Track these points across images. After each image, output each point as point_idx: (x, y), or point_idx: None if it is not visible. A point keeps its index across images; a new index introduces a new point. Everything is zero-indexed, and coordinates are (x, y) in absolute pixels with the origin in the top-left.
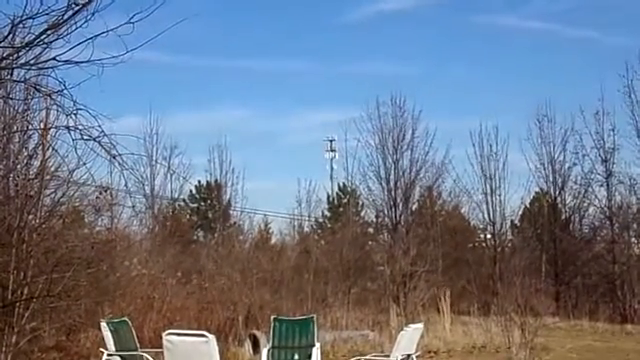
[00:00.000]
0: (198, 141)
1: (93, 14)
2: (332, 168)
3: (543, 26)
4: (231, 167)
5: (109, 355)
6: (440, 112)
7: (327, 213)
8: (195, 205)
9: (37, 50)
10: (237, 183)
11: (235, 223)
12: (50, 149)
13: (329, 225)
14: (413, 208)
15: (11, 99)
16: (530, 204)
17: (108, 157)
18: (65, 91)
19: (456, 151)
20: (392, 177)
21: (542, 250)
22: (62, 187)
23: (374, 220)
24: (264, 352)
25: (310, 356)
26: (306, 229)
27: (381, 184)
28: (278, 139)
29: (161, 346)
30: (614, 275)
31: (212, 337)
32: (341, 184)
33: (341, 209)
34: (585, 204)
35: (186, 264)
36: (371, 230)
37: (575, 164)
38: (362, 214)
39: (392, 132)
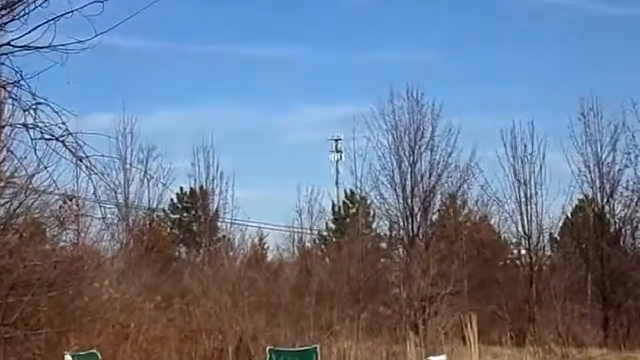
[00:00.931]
0: (180, 141)
1: None
2: (338, 172)
3: (588, 4)
4: (219, 172)
5: None
6: (465, 106)
7: (332, 225)
8: (177, 216)
9: None
10: (226, 190)
11: (224, 237)
12: (4, 150)
13: (334, 239)
14: (433, 219)
15: None
16: (572, 214)
17: (74, 160)
18: (22, 82)
19: (484, 152)
20: (408, 183)
21: (587, 269)
22: (19, 195)
23: (387, 233)
24: None
25: None
26: (307, 244)
27: (395, 191)
28: (274, 139)
29: None
30: None
31: None
32: (348, 191)
33: (348, 220)
34: (639, 214)
35: (166, 286)
36: (384, 245)
37: (627, 166)
38: (373, 226)
39: (408, 130)
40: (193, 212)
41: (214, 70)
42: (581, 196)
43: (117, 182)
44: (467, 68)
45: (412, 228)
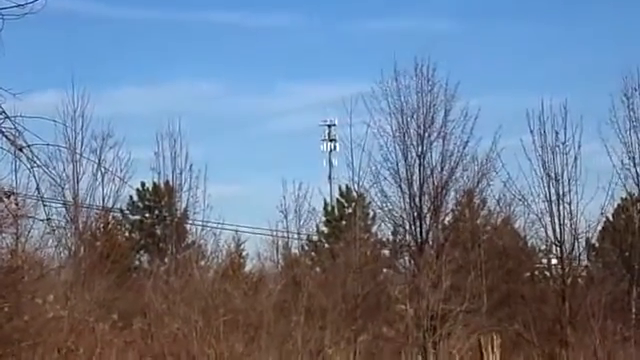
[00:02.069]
0: (142, 127)
1: None
2: (331, 165)
3: None
4: (188, 164)
5: None
6: (486, 86)
7: (324, 228)
8: (137, 217)
9: None
10: (196, 186)
11: (194, 243)
12: None
13: (327, 245)
14: (446, 221)
15: None
16: (614, 216)
17: (11, 149)
18: None
19: (508, 140)
20: (416, 178)
21: (632, 281)
22: None
23: (390, 238)
24: None
25: None
26: (294, 251)
27: (400, 187)
28: (255, 124)
29: None
30: None
31: None
32: (344, 188)
33: (344, 223)
34: None
35: (124, 302)
36: (387, 252)
37: None
38: (373, 230)
39: (416, 114)
40: (157, 212)
41: (182, 42)
42: (624, 194)
43: (65, 176)
44: (488, 41)
45: (420, 232)
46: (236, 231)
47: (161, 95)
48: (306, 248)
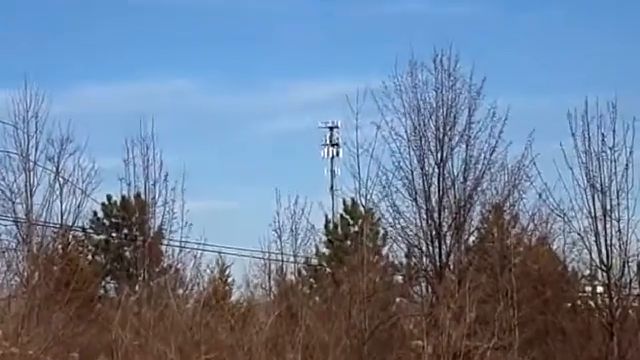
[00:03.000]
0: (108, 130)
1: None
2: (333, 174)
3: None
4: (163, 173)
5: None
6: (517, 80)
7: (325, 250)
8: (102, 237)
9: None
10: (173, 200)
11: (170, 267)
12: None
13: (328, 270)
14: (470, 241)
15: None
16: None
17: None
18: None
19: (544, 145)
20: (435, 189)
21: None
22: None
23: (404, 261)
24: None
25: None
26: (290, 277)
27: (416, 201)
28: (243, 128)
29: None
30: None
31: None
32: (348, 201)
33: (349, 243)
34: None
35: (87, 337)
36: (400, 278)
37: None
38: (384, 251)
39: (435, 114)
40: (126, 231)
41: (157, 30)
42: None
43: (16, 188)
44: (521, 28)
45: (440, 254)
46: (220, 253)
47: (131, 93)
48: (304, 273)
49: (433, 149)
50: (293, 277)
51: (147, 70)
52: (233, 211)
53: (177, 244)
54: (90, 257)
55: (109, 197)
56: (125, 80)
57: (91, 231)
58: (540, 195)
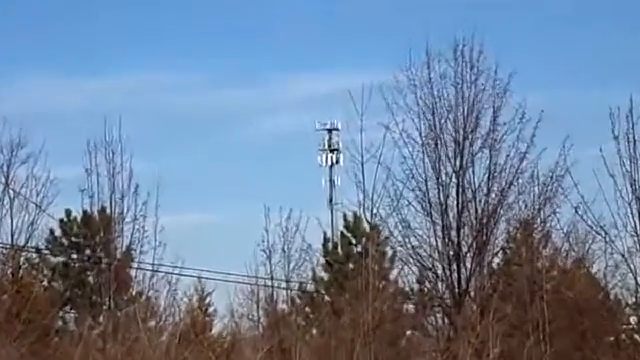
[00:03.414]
0: (68, 133)
1: None
2: (333, 185)
3: None
4: (132, 184)
5: None
6: (550, 75)
7: (323, 274)
8: (60, 259)
9: None
10: (144, 215)
11: (141, 295)
12: None
13: (327, 298)
14: (494, 264)
15: None
16: None
17: None
18: None
19: (581, 151)
20: (453, 203)
21: None
22: None
23: (416, 288)
24: None
25: None
26: (282, 306)
27: (431, 216)
28: (226, 130)
29: None
30: None
31: None
32: (350, 216)
33: (351, 266)
34: None
35: None
36: (411, 308)
37: None
38: (393, 275)
39: (454, 113)
40: (88, 253)
41: (127, 16)
42: None
43: None
44: (553, 13)
45: (458, 279)
46: (200, 278)
47: (96, 89)
48: (298, 302)
49: (451, 155)
50: (285, 306)
51: (116, 63)
52: (216, 228)
53: (149, 267)
54: (46, 283)
55: (68, 212)
56: (89, 73)
57: (47, 252)
58: (577, 210)
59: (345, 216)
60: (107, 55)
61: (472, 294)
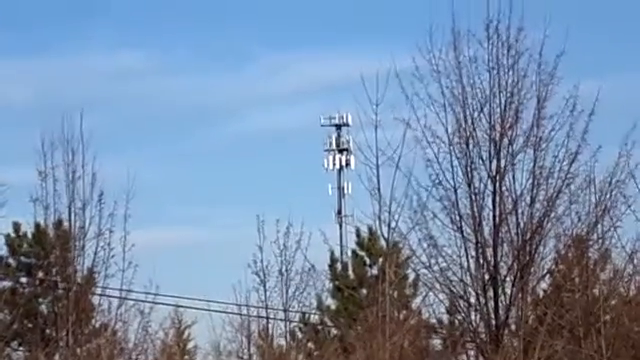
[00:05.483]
0: (17, 128)
1: None
2: (342, 194)
3: None
4: (96, 191)
5: None
6: (609, 58)
7: (330, 302)
8: (7, 284)
9: None
10: (110, 230)
11: (106, 328)
12: None
13: (335, 331)
14: (539, 290)
15: None
16: None
17: None
18: None
19: None
20: (489, 215)
21: None
22: None
23: (445, 319)
24: None
25: None
26: (280, 341)
27: (462, 231)
28: (215, 123)
29: None
30: None
31: None
32: (364, 232)
33: (365, 292)
34: None
35: None
36: (438, 344)
37: None
38: (414, 304)
39: (490, 106)
40: (41, 276)
41: None
42: None
43: None
44: None
45: (496, 309)
46: (178, 306)
47: (50, 74)
48: (299, 336)
49: (485, 156)
50: (284, 342)
51: (79, 41)
52: (198, 245)
53: (116, 294)
54: None
55: (17, 226)
56: (46, 54)
57: None
58: None
59: (357, 231)
60: (61, 31)
61: (512, 327)
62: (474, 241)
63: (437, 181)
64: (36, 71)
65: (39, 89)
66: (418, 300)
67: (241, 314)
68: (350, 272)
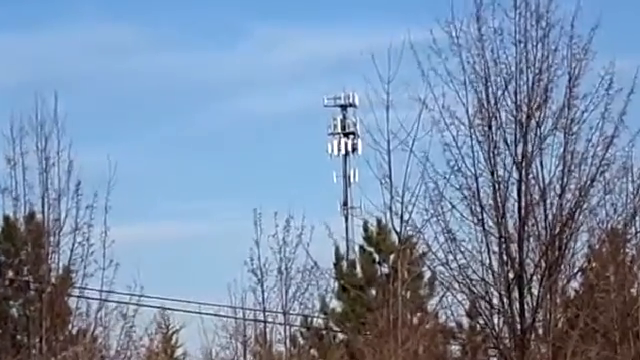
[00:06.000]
0: None
1: None
2: (348, 182)
3: None
4: (73, 181)
5: None
6: None
7: (335, 303)
8: None
9: None
10: (89, 224)
11: (84, 334)
12: None
13: (341, 336)
14: (570, 290)
15: None
16: None
17: None
18: None
19: None
20: (512, 206)
21: None
22: None
23: (465, 322)
24: None
25: None
26: (279, 347)
27: (483, 225)
28: (206, 105)
29: None
30: None
31: None
32: (372, 226)
33: (374, 293)
34: None
35: None
36: (457, 350)
37: None
38: (430, 306)
39: (516, 84)
40: (11, 275)
41: None
42: None
43: None
44: None
45: (522, 311)
46: (165, 309)
47: (23, 51)
48: (301, 342)
49: (510, 140)
50: (283, 348)
51: (59, 14)
52: (187, 240)
53: (95, 295)
54: None
55: None
56: (25, 28)
57: None
58: None
59: (365, 224)
60: (50, 6)
61: (540, 332)
62: (497, 235)
63: (456, 168)
64: (18, 45)
65: (15, 66)
66: (434, 301)
67: (236, 317)
68: (357, 270)
